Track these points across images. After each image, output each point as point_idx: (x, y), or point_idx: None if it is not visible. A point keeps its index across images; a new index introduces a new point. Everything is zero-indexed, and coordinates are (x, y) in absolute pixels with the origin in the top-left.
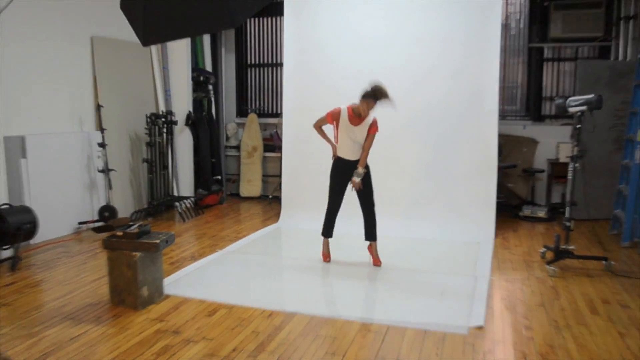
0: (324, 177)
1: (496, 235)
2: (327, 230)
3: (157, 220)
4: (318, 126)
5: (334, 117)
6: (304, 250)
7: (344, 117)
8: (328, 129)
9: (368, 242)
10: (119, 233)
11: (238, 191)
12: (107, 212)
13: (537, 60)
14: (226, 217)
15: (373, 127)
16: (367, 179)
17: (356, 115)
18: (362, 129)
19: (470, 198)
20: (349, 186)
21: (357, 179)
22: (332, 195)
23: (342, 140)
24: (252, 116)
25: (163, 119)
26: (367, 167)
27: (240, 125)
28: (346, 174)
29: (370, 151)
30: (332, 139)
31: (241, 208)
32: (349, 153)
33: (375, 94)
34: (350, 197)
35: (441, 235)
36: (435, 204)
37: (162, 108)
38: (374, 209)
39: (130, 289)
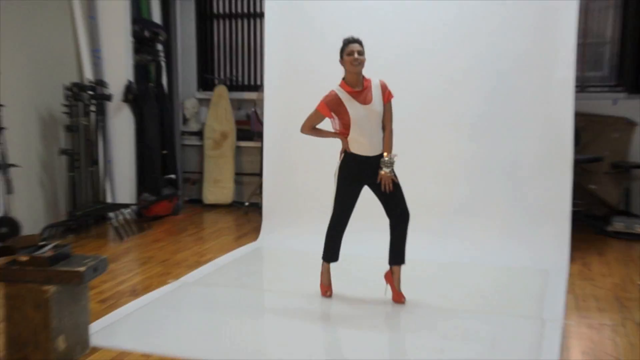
0: (323, 176)
1: (572, 259)
2: (331, 252)
3: (81, 238)
4: (310, 128)
5: (331, 106)
6: (295, 280)
7: (347, 99)
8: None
9: (388, 268)
10: (23, 258)
11: (200, 196)
12: (4, 227)
13: (637, 2)
14: (183, 233)
15: (387, 92)
16: (395, 176)
17: (357, 88)
18: (377, 102)
19: (532, 206)
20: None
21: (387, 171)
22: (339, 206)
23: (357, 132)
24: (221, 89)
25: (90, 92)
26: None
27: (204, 103)
28: (362, 175)
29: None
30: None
31: (205, 220)
32: (367, 147)
33: (347, 39)
34: (359, 204)
35: (491, 260)
36: (482, 215)
37: (88, 76)
38: (408, 218)
39: (39, 340)
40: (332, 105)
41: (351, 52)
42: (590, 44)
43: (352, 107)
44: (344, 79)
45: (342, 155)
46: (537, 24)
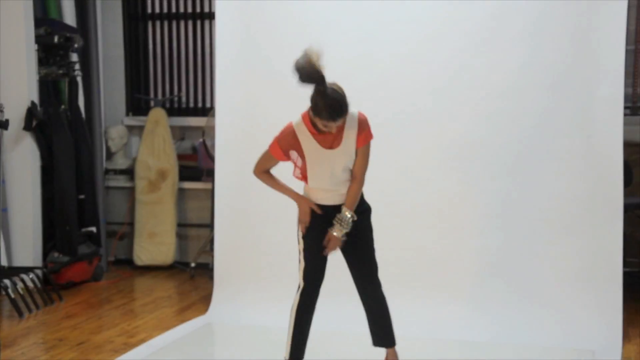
0: (294, 228)
1: (626, 337)
2: (300, 346)
3: None
4: (262, 172)
5: (285, 147)
6: None
7: (305, 138)
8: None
9: (383, 351)
10: None
11: (131, 256)
12: None
13: None
14: (107, 305)
15: (365, 134)
16: (363, 232)
17: (321, 133)
18: (348, 146)
19: (571, 266)
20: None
21: (336, 233)
22: (309, 272)
23: (316, 176)
24: (158, 113)
25: None
26: (365, 210)
27: (135, 131)
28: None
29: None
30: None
31: (137, 287)
32: (329, 196)
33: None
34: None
35: (518, 337)
36: (504, 279)
37: None
38: (379, 288)
39: None
40: (286, 145)
41: (327, 126)
42: None
43: (310, 148)
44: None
45: (303, 225)
46: (574, 26)
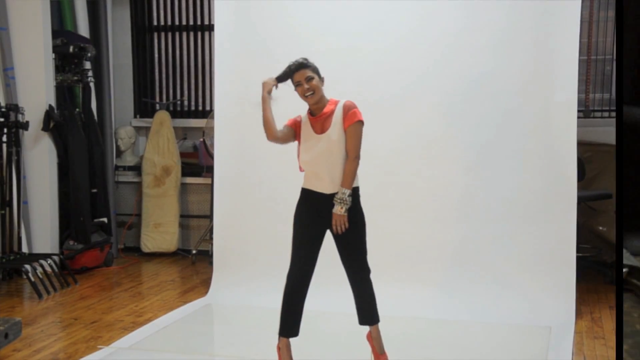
0: (286, 219)
1: (579, 314)
2: (290, 323)
3: None
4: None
5: (294, 123)
6: (252, 344)
7: (305, 124)
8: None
9: (367, 328)
10: None
11: (138, 243)
12: None
13: None
14: (117, 288)
15: (350, 115)
16: (355, 220)
17: (315, 116)
18: (336, 129)
19: (531, 252)
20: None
21: (340, 211)
22: (296, 260)
23: (307, 163)
24: (162, 116)
25: (1, 119)
26: (354, 195)
27: (142, 131)
28: (321, 217)
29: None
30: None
31: (144, 272)
32: (325, 182)
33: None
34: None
35: (484, 316)
36: (473, 264)
37: None
38: (368, 274)
39: None
40: (292, 121)
41: (298, 82)
42: (595, 61)
43: (305, 133)
44: None
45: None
46: (533, 39)
